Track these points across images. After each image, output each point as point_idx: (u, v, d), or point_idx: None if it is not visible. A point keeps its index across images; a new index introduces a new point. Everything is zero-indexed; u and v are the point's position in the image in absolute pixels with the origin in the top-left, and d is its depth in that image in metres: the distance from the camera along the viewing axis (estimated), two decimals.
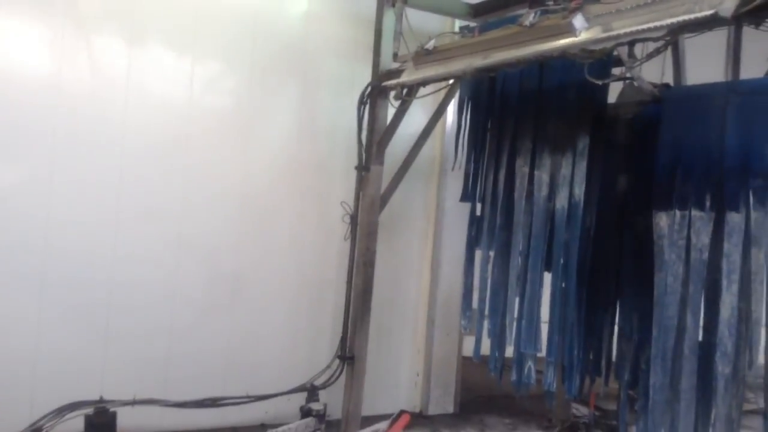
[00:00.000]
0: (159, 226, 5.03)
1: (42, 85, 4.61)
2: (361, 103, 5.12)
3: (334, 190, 5.56)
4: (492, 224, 4.56)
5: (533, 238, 4.19)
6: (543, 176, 4.15)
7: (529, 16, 3.51)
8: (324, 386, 5.26)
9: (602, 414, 5.77)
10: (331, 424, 5.28)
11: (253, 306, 5.41)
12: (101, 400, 4.49)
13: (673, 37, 3.04)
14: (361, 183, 5.15)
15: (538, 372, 4.21)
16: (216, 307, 5.27)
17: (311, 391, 5.20)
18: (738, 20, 2.75)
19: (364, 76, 5.15)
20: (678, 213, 3.41)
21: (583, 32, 3.22)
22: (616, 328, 4.09)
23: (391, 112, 5.04)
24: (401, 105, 4.93)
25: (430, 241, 6.19)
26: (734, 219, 3.19)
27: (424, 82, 4.56)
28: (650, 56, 3.19)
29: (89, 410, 4.41)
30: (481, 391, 6.69)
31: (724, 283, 3.21)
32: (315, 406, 5.11)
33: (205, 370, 5.22)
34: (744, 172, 3.18)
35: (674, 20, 2.82)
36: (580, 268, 3.97)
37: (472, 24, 5.01)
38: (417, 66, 4.51)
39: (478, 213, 4.76)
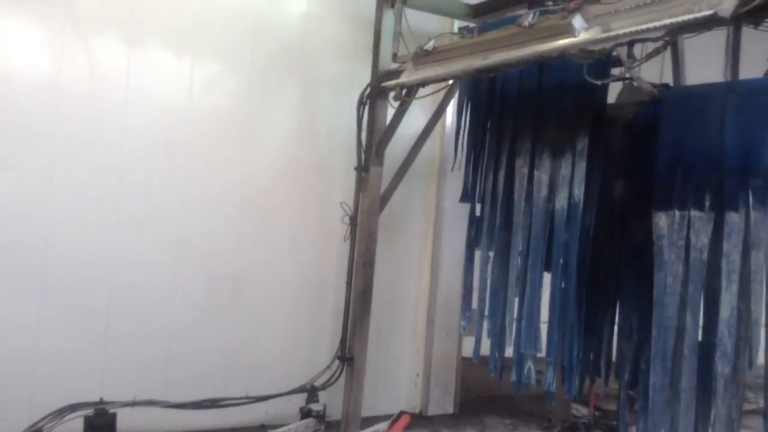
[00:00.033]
0: (159, 227, 5.03)
1: (42, 87, 4.61)
2: (361, 103, 5.12)
3: (334, 190, 5.56)
4: (491, 225, 4.56)
5: (533, 238, 4.19)
6: (542, 177, 4.15)
7: (529, 17, 3.51)
8: (324, 387, 5.26)
9: (602, 414, 5.78)
10: (330, 425, 5.29)
11: (253, 306, 5.41)
12: (101, 402, 4.49)
13: (672, 38, 3.05)
14: (361, 183, 5.15)
15: (538, 372, 4.21)
16: (216, 307, 5.27)
17: (311, 391, 5.20)
18: (737, 20, 2.75)
19: (364, 77, 5.16)
20: (677, 213, 3.41)
21: (582, 33, 3.22)
22: (615, 328, 4.09)
23: (390, 112, 5.04)
24: (401, 105, 4.93)
25: (429, 241, 6.19)
26: (734, 219, 3.19)
27: (424, 83, 4.56)
28: (649, 56, 3.19)
29: (89, 411, 4.41)
30: (480, 391, 6.69)
31: (724, 283, 3.21)
32: (315, 407, 5.11)
33: (205, 371, 5.22)
34: (743, 172, 3.18)
35: (673, 20, 2.83)
36: (579, 269, 3.97)
37: (472, 24, 5.01)
38: (416, 66, 4.51)
39: (478, 213, 4.76)
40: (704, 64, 4.21)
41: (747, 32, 3.47)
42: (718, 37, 3.49)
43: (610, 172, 4.06)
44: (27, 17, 4.57)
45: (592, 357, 4.17)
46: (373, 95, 5.03)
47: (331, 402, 5.27)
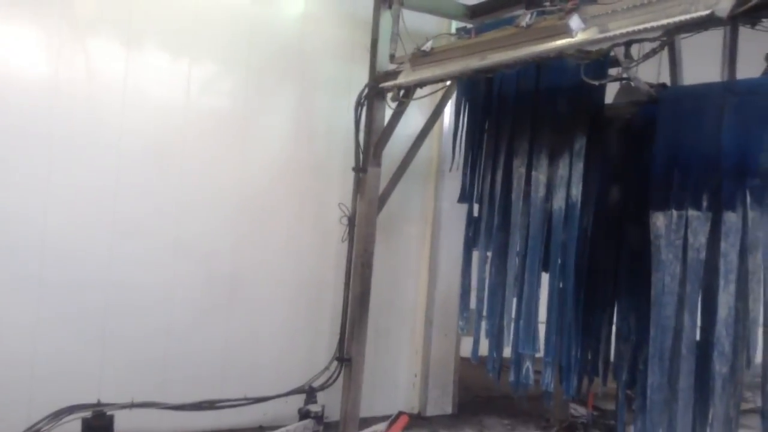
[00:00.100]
0: (156, 228, 5.02)
1: (39, 88, 4.60)
2: (359, 104, 5.12)
3: (332, 191, 5.56)
4: (489, 225, 4.56)
5: (531, 238, 4.19)
6: (540, 177, 4.16)
7: (526, 17, 3.52)
8: (322, 388, 5.26)
9: (600, 414, 5.79)
10: (329, 426, 5.28)
11: (251, 307, 5.41)
12: (99, 403, 4.49)
13: (669, 38, 3.05)
14: (359, 184, 5.15)
15: (536, 372, 4.21)
16: (214, 309, 5.27)
17: (309, 392, 5.20)
18: (734, 20, 2.76)
19: (361, 78, 5.15)
20: (675, 213, 3.42)
21: (579, 33, 3.22)
22: (613, 328, 4.10)
23: (388, 113, 5.04)
24: (398, 106, 4.93)
25: (427, 242, 6.19)
26: (731, 219, 3.19)
27: (422, 84, 4.56)
28: (647, 56, 3.19)
29: (87, 413, 4.41)
30: (479, 391, 6.70)
31: (722, 282, 3.21)
32: (313, 408, 5.11)
33: (203, 372, 5.22)
34: (741, 172, 3.18)
35: (670, 21, 2.83)
36: (577, 269, 3.97)
37: (469, 25, 5.02)
38: (414, 67, 4.51)
39: (476, 214, 4.76)
40: (701, 64, 4.23)
41: (744, 32, 3.47)
42: (715, 37, 3.50)
43: (607, 172, 4.06)
44: (23, 18, 4.57)
45: (590, 357, 4.17)
46: (371, 96, 5.03)
47: (330, 403, 5.26)
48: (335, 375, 5.24)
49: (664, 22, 2.85)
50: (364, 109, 5.11)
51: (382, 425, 5.26)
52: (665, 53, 4.04)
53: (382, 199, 5.19)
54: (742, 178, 3.17)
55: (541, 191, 4.14)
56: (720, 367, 3.21)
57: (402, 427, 5.34)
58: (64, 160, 4.69)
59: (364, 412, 5.22)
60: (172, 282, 5.09)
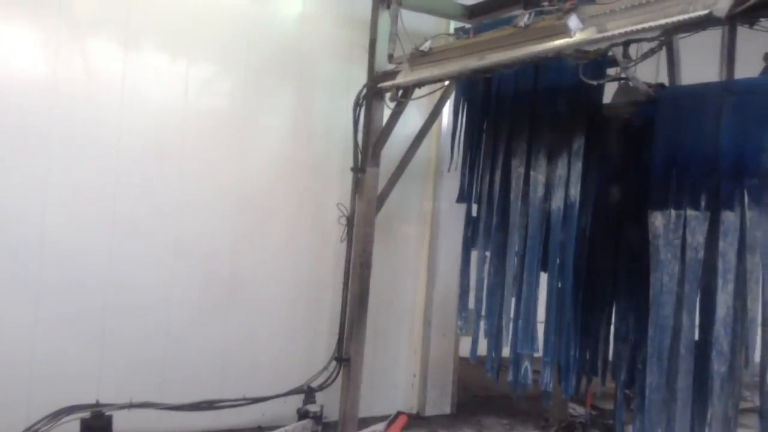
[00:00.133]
0: (155, 228, 5.02)
1: (37, 88, 4.61)
2: (357, 104, 5.13)
3: (331, 191, 5.56)
4: (488, 225, 4.56)
5: (529, 238, 4.19)
6: (539, 177, 4.16)
7: (524, 18, 3.52)
8: (321, 388, 5.26)
9: (599, 413, 5.78)
10: (328, 426, 5.29)
11: (250, 308, 5.41)
12: (98, 404, 4.49)
13: (667, 38, 3.05)
14: (357, 184, 5.15)
15: (535, 372, 4.22)
16: (212, 309, 5.27)
17: (308, 393, 5.20)
18: (732, 20, 2.76)
19: (360, 78, 5.16)
20: (673, 212, 3.42)
21: (577, 33, 3.22)
22: (612, 327, 4.10)
23: (386, 113, 5.04)
24: (397, 106, 4.93)
25: (426, 242, 6.19)
26: (729, 218, 3.20)
27: (420, 84, 4.56)
28: (645, 56, 3.20)
29: (86, 413, 4.40)
30: (478, 391, 6.70)
31: (720, 282, 3.21)
32: (312, 408, 5.12)
33: (202, 373, 5.22)
34: (739, 172, 3.18)
35: (669, 20, 2.83)
36: (576, 269, 3.98)
37: (468, 25, 5.01)
38: (412, 67, 4.51)
39: (474, 214, 4.76)
40: (700, 63, 4.23)
41: (742, 32, 3.48)
42: (713, 37, 3.50)
43: (606, 172, 4.06)
44: (22, 18, 4.57)
45: (588, 356, 4.18)
46: (370, 96, 5.03)
47: (328, 403, 5.27)
48: (334, 375, 5.24)
49: (663, 21, 2.85)
50: (363, 109, 5.12)
51: (381, 425, 5.26)
52: (663, 53, 4.04)
53: (381, 199, 5.19)
54: (741, 178, 3.18)
55: (540, 191, 4.14)
56: (718, 367, 3.22)
57: (401, 427, 5.34)
58: (63, 160, 4.69)
59: (363, 412, 5.22)
60: (171, 282, 5.09)
